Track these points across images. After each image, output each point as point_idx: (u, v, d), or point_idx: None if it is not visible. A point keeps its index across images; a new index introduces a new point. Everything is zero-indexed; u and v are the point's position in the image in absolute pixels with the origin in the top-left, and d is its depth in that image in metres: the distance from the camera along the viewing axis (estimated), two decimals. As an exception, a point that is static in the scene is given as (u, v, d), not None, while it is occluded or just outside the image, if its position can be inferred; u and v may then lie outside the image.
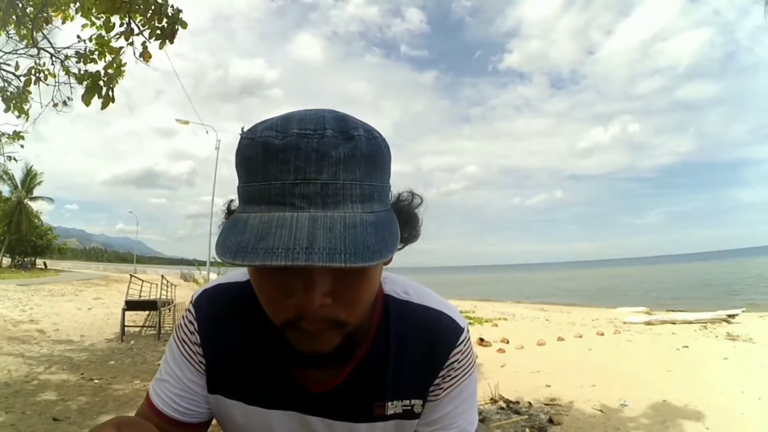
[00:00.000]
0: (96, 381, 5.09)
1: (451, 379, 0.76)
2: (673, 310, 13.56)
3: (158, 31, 4.15)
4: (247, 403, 0.76)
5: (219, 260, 0.55)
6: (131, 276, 10.80)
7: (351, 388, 0.74)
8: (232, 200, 0.65)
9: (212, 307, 0.77)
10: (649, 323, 10.66)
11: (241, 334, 0.75)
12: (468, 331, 0.79)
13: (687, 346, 7.33)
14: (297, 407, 0.75)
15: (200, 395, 0.77)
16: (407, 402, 0.75)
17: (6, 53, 5.02)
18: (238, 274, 0.79)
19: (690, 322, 10.36)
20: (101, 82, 4.36)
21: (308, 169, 0.52)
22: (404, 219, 0.65)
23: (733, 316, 10.51)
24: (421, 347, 0.75)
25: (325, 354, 0.62)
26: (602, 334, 9.06)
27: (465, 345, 0.77)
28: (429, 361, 0.75)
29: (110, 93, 4.34)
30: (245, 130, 0.59)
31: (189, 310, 0.79)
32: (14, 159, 6.82)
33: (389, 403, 0.75)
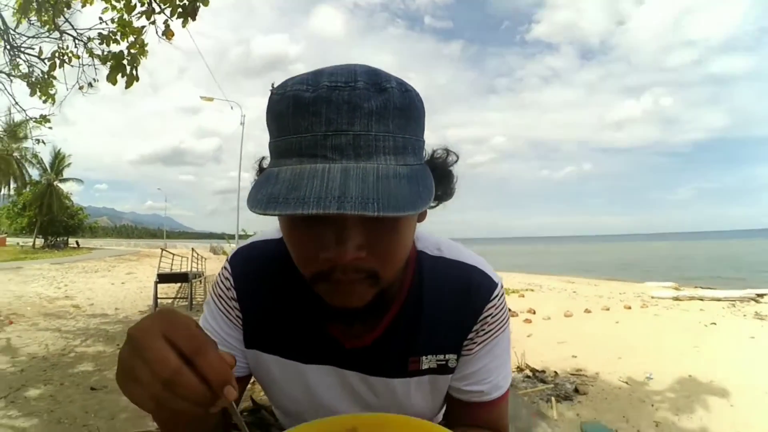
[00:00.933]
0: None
1: (485, 334, 0.75)
2: (701, 287, 13.31)
3: (180, 9, 4.15)
4: (284, 358, 0.77)
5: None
6: (162, 250, 11.06)
7: (385, 344, 0.74)
8: (263, 158, 0.66)
9: (248, 263, 0.79)
10: (676, 299, 10.50)
11: (276, 289, 0.76)
12: (502, 286, 0.78)
13: (714, 323, 7.22)
14: (333, 362, 0.76)
15: (238, 350, 0.79)
16: (441, 357, 0.75)
17: (29, 38, 5.07)
18: (273, 231, 0.79)
19: (718, 300, 10.16)
20: (125, 62, 4.41)
21: (340, 121, 0.51)
22: (438, 175, 0.64)
23: (762, 295, 10.26)
24: (454, 302, 0.74)
25: (356, 309, 0.62)
26: (629, 308, 8.97)
27: (499, 300, 0.76)
28: (463, 316, 0.74)
29: (134, 72, 4.39)
30: (275, 86, 0.58)
31: (225, 268, 0.80)
32: (42, 142, 6.98)
33: (423, 358, 0.75)
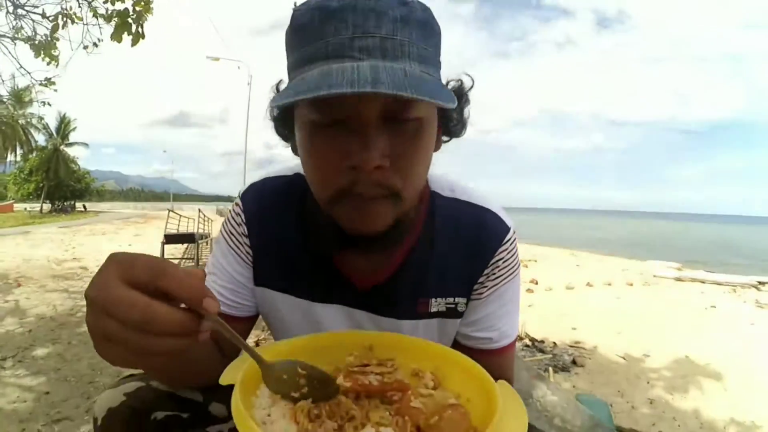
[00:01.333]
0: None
1: (495, 278, 0.75)
2: (704, 270, 13.28)
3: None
4: (294, 296, 0.76)
5: None
6: (169, 212, 11.06)
7: (396, 283, 0.74)
8: (280, 80, 0.66)
9: (260, 199, 0.78)
10: (678, 279, 10.49)
11: (288, 226, 0.75)
12: (515, 232, 0.77)
13: (714, 306, 7.22)
14: (343, 301, 0.76)
15: (246, 288, 0.78)
16: (451, 300, 0.75)
17: (32, -2, 4.99)
18: (285, 168, 0.79)
19: (720, 284, 10.14)
20: (130, 20, 4.34)
21: (367, 24, 0.52)
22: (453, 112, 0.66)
23: (763, 283, 10.21)
24: (466, 244, 0.74)
25: (373, 235, 0.61)
26: (631, 285, 8.98)
27: (511, 244, 0.76)
28: (474, 258, 0.74)
29: (140, 30, 4.32)
30: (297, 4, 0.58)
31: (237, 204, 0.80)
32: (48, 104, 6.95)
33: (433, 300, 0.75)
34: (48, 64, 5.25)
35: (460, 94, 0.66)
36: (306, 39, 0.54)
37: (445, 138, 0.69)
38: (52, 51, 5.16)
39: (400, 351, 0.66)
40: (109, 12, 4.55)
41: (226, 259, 0.78)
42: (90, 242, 13.78)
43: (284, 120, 0.67)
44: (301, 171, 0.68)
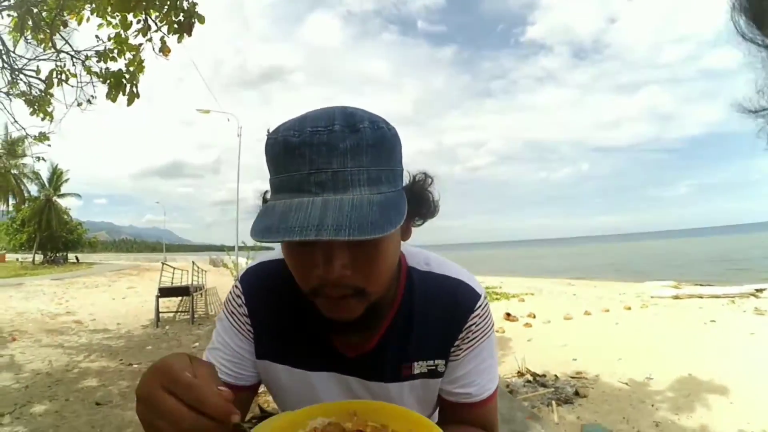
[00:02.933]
0: (135, 366, 5.29)
1: (470, 341, 0.84)
2: (701, 284, 13.33)
3: (175, 26, 4.22)
4: (292, 367, 0.86)
5: (248, 245, 0.66)
6: (163, 264, 11.08)
7: (381, 352, 0.83)
8: (267, 191, 0.76)
9: (257, 281, 0.89)
10: (676, 297, 10.53)
11: (283, 304, 0.85)
12: (485, 297, 0.87)
13: (714, 321, 7.26)
14: (335, 369, 0.85)
15: (249, 360, 0.88)
16: (431, 362, 0.85)
17: (29, 60, 5.12)
18: (278, 252, 0.88)
19: (718, 297, 10.20)
20: (124, 80, 4.47)
21: (320, 161, 0.61)
22: (417, 198, 0.75)
23: (761, 290, 10.30)
24: (442, 312, 0.84)
25: (351, 321, 0.71)
26: (629, 308, 9.02)
27: (482, 309, 0.85)
28: (449, 325, 0.83)
29: (134, 89, 4.45)
30: (270, 131, 0.69)
31: (236, 286, 0.90)
32: (42, 159, 7.04)
33: (415, 364, 0.84)
34: (42, 119, 5.37)
35: (419, 191, 0.76)
36: (277, 168, 0.65)
37: (418, 222, 0.79)
38: (47, 107, 5.28)
39: (382, 417, 0.75)
40: (103, 71, 4.68)
41: (228, 336, 0.88)
42: (83, 295, 13.67)
43: None
44: None
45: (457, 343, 0.84)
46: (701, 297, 10.32)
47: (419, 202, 0.75)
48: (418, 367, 0.84)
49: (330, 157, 0.61)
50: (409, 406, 0.84)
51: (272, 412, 1.08)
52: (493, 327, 0.89)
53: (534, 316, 8.15)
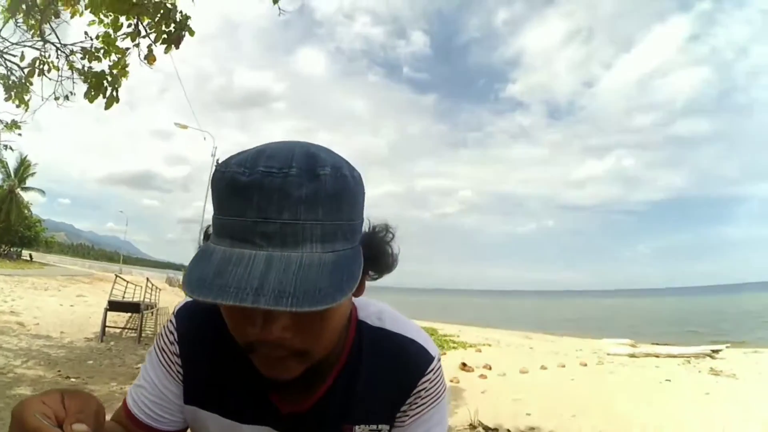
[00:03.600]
0: (72, 379, 5.04)
1: (417, 407, 0.77)
2: (657, 344, 13.60)
3: (165, 36, 4.19)
4: (222, 416, 0.77)
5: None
6: (116, 276, 10.70)
7: (320, 410, 0.75)
8: (209, 226, 0.65)
9: (193, 320, 0.79)
10: (632, 355, 10.68)
11: (219, 349, 0.75)
12: (439, 360, 0.80)
13: (669, 380, 7.34)
14: (270, 423, 0.76)
15: (175, 404, 0.79)
16: (374, 427, 0.77)
17: (13, 44, 5.02)
18: None
19: (674, 356, 10.39)
20: (105, 82, 4.38)
21: (270, 209, 0.53)
22: (375, 252, 0.66)
23: (717, 351, 10.53)
24: (391, 374, 0.76)
25: (288, 380, 0.64)
26: (585, 365, 9.06)
27: (435, 374, 0.78)
28: (397, 388, 0.76)
29: (114, 93, 4.37)
30: (220, 162, 0.61)
31: (171, 321, 0.81)
32: (10, 148, 6.81)
33: (357, 428, 0.76)
34: (17, 107, 5.21)
35: (381, 246, 0.68)
36: (220, 207, 0.57)
37: (374, 276, 0.70)
38: (24, 95, 5.13)
39: None
40: (86, 69, 4.59)
41: (156, 374, 0.79)
42: (31, 297, 13.07)
43: None
44: None
45: (404, 408, 0.77)
46: (657, 356, 10.50)
47: (377, 257, 0.67)
48: (360, 430, 0.76)
49: (281, 206, 0.53)
50: None
51: None
52: (445, 392, 0.81)
53: (490, 368, 8.09)
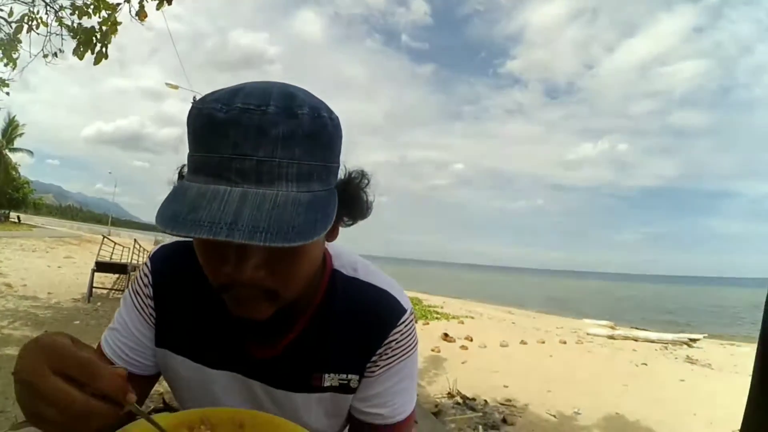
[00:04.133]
0: (59, 339, 5.03)
1: (388, 358, 0.77)
2: (637, 328, 13.85)
3: (158, -9, 4.10)
4: (192, 361, 0.78)
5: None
6: (104, 237, 10.66)
7: (289, 357, 0.76)
8: (184, 165, 0.65)
9: (168, 263, 0.80)
10: (611, 337, 10.88)
11: (193, 292, 0.76)
12: (412, 313, 0.81)
13: (646, 364, 7.49)
14: (239, 370, 0.77)
15: (148, 348, 0.79)
16: (344, 376, 0.77)
17: (1, -1, 4.88)
18: None
19: (652, 341, 10.60)
20: (95, 38, 4.30)
21: (246, 145, 0.53)
22: (350, 198, 0.67)
23: (694, 340, 10.73)
24: (362, 323, 0.76)
25: (260, 322, 0.64)
26: (564, 343, 9.22)
27: (406, 326, 0.78)
28: (368, 338, 0.76)
29: (104, 49, 4.29)
30: (197, 98, 0.61)
31: (146, 264, 0.81)
32: (-1, 107, 6.68)
33: (326, 376, 0.77)
34: (5, 65, 5.10)
35: (356, 191, 0.69)
36: (196, 144, 0.57)
37: (348, 222, 0.71)
38: (12, 53, 5.02)
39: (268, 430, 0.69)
40: (75, 25, 4.49)
41: (129, 317, 0.79)
42: (18, 258, 12.98)
43: None
44: None
45: (374, 358, 0.77)
46: (636, 340, 10.71)
47: (351, 202, 0.68)
48: (329, 379, 0.77)
49: (258, 143, 0.53)
50: (316, 419, 0.79)
51: (174, 407, 1.01)
52: (416, 347, 0.81)
53: (471, 339, 8.22)
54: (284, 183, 0.54)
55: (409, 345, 0.79)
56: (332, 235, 0.70)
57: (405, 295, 0.81)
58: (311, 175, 0.57)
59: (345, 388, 0.78)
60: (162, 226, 0.52)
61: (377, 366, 0.77)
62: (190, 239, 0.75)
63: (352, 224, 0.72)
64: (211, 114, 0.54)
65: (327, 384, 0.77)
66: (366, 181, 0.70)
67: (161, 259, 0.80)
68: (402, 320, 0.77)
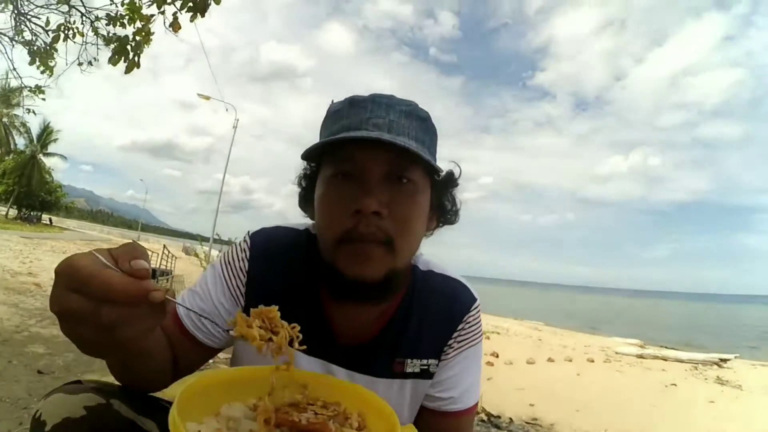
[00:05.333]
0: (86, 340, 5.11)
1: (462, 340, 0.84)
2: (666, 347, 13.47)
3: (190, 3, 4.16)
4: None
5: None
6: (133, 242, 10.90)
7: (377, 343, 0.81)
8: (305, 168, 0.83)
9: (267, 243, 0.84)
10: (640, 356, 10.59)
11: (288, 274, 0.81)
12: (479, 302, 0.88)
13: (675, 384, 7.27)
14: (323, 356, 0.80)
15: (224, 321, 0.79)
16: (425, 361, 0.83)
17: (37, 6, 5.04)
18: (298, 223, 0.88)
19: (681, 361, 10.27)
20: (129, 47, 4.39)
21: (380, 111, 0.71)
22: (445, 194, 0.82)
23: (725, 360, 10.38)
24: (439, 309, 0.83)
25: (369, 283, 0.70)
26: (592, 361, 9.01)
27: (476, 312, 0.86)
28: (445, 323, 0.83)
29: (136, 58, 4.37)
30: (334, 102, 0.78)
31: (245, 240, 0.85)
32: (33, 112, 6.86)
33: (408, 361, 0.82)
34: (42, 72, 5.25)
35: (449, 179, 0.81)
36: (336, 118, 0.73)
37: (440, 224, 0.84)
38: (48, 61, 5.17)
39: (330, 391, 0.71)
40: (110, 35, 4.60)
41: (215, 286, 0.81)
42: (49, 259, 13.31)
43: (307, 188, 0.82)
44: (312, 229, 0.84)
45: (450, 342, 0.83)
46: (665, 359, 10.40)
47: (446, 198, 0.82)
48: (411, 365, 0.82)
49: (388, 111, 0.70)
50: (397, 405, 0.78)
51: None
52: (482, 336, 0.89)
53: (497, 356, 8.09)
54: (408, 139, 0.70)
55: (479, 330, 0.88)
56: (431, 226, 0.82)
57: (472, 286, 0.90)
58: (424, 143, 0.73)
59: (425, 374, 0.83)
60: (327, 137, 0.71)
61: (452, 349, 0.84)
62: (290, 227, 0.87)
63: (441, 226, 0.84)
64: (352, 99, 0.74)
65: (409, 370, 0.82)
66: (459, 171, 0.83)
67: (262, 238, 0.85)
68: (474, 306, 0.86)
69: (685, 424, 4.96)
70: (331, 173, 0.72)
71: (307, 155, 0.70)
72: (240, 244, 0.84)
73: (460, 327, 0.84)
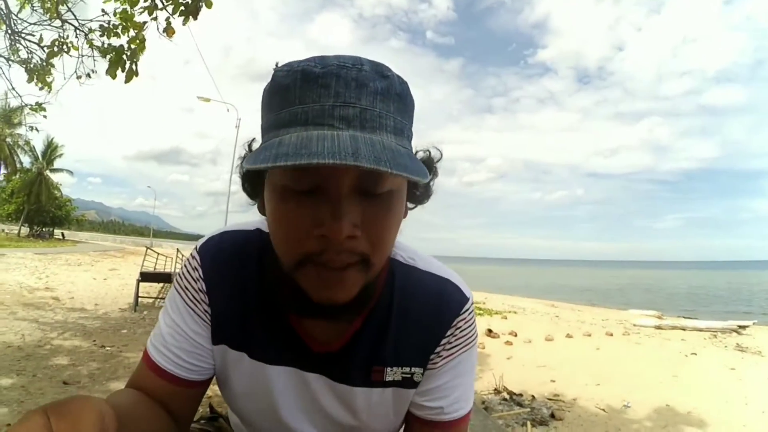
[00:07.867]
0: (108, 348, 5.18)
1: (452, 347, 0.73)
2: (684, 317, 13.42)
3: (182, 7, 4.15)
4: (249, 356, 0.73)
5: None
6: (147, 249, 10.99)
7: (351, 350, 0.71)
8: (253, 139, 0.65)
9: (219, 253, 0.74)
10: (659, 327, 10.56)
11: (247, 283, 0.72)
12: (472, 303, 0.76)
13: (695, 353, 7.27)
14: (297, 364, 0.73)
15: (205, 348, 0.73)
16: (407, 369, 0.73)
17: (30, 24, 5.05)
18: (245, 223, 0.77)
19: (700, 330, 10.23)
20: (125, 56, 4.40)
21: (348, 95, 0.52)
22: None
23: (744, 327, 10.34)
24: (424, 313, 0.72)
25: (339, 305, 0.59)
26: (611, 335, 9.00)
27: (469, 314, 0.74)
28: (432, 328, 0.72)
29: (134, 67, 4.38)
30: (278, 65, 0.58)
31: (193, 257, 0.75)
32: (36, 129, 6.90)
33: (388, 369, 0.72)
34: (40, 89, 5.26)
35: (429, 165, 0.66)
36: (286, 101, 0.54)
37: (410, 205, 0.69)
38: (46, 77, 5.18)
39: None
40: (105, 46, 4.61)
41: (181, 317, 0.73)
42: (65, 272, 13.49)
43: (253, 179, 0.66)
44: (263, 227, 0.71)
45: (438, 349, 0.73)
46: (684, 329, 10.36)
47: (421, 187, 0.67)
48: (392, 373, 0.72)
49: (359, 93, 0.52)
50: (377, 415, 0.74)
51: (223, 415, 0.97)
52: (477, 339, 0.77)
53: (515, 335, 8.12)
54: (385, 133, 0.53)
55: (472, 334, 0.75)
56: (404, 213, 0.66)
57: (465, 284, 0.77)
58: (403, 131, 0.57)
59: (408, 383, 0.74)
60: (270, 162, 0.47)
61: (440, 357, 0.73)
62: (241, 229, 0.75)
63: (414, 207, 0.69)
64: (305, 70, 0.53)
65: (389, 378, 0.73)
66: (439, 155, 0.69)
67: (210, 250, 0.74)
68: (465, 308, 0.74)
69: (707, 392, 4.95)
70: (285, 183, 0.56)
71: (257, 168, 0.49)
72: (190, 262, 0.74)
73: (449, 333, 0.72)
